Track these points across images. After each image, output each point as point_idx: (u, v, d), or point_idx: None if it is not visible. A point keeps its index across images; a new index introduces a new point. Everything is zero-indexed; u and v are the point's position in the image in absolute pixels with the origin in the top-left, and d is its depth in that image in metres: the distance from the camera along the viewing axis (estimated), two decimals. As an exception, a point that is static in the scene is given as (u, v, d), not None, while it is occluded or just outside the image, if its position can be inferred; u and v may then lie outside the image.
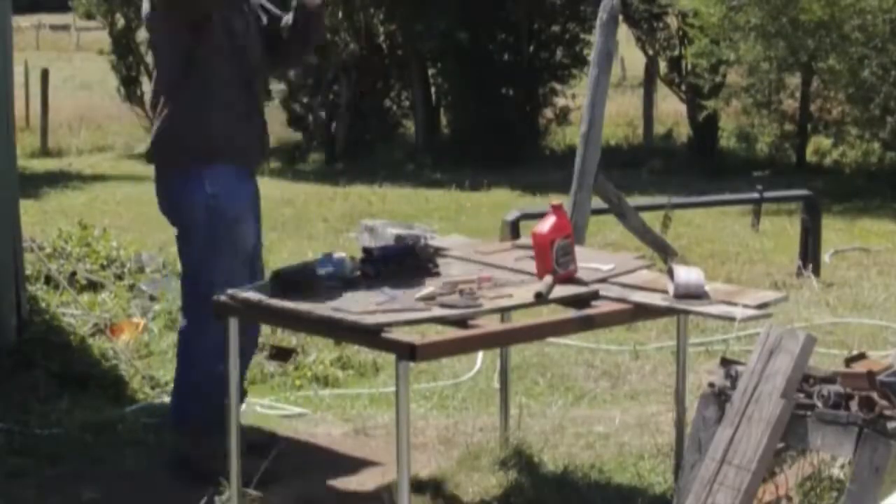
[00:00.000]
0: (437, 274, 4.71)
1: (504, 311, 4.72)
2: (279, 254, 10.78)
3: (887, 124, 15.63)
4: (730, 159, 18.22)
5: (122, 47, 21.74)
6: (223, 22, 5.14)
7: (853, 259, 10.64)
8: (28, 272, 7.54)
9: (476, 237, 6.53)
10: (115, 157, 20.88)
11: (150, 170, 5.60)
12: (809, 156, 17.96)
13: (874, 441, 3.96)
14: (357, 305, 4.29)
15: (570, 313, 4.51)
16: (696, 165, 17.55)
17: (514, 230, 9.05)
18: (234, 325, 4.67)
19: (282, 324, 5.29)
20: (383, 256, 4.63)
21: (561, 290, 4.51)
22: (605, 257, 5.21)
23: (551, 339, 7.13)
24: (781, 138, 17.81)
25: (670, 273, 4.64)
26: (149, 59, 21.47)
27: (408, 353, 4.02)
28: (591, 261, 4.89)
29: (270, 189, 16.30)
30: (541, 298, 4.43)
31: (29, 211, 10.47)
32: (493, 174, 16.62)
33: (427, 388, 6.84)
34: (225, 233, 5.18)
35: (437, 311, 4.26)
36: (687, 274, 4.59)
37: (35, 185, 15.27)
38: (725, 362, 4.47)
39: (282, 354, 7.30)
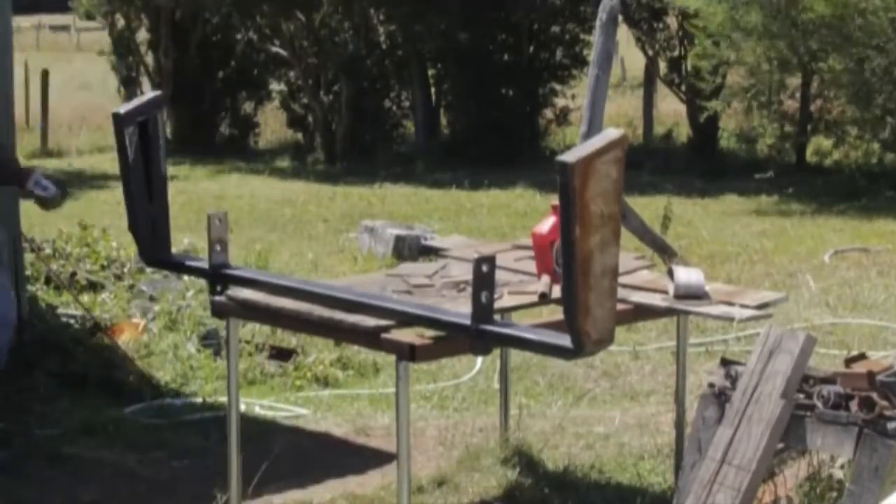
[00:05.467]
0: None
1: (504, 312, 4.71)
2: (279, 255, 10.79)
3: (887, 125, 15.61)
4: (730, 160, 18.21)
5: (122, 48, 21.74)
6: None
7: (853, 259, 10.63)
8: (28, 272, 7.54)
9: (476, 237, 6.54)
10: (115, 157, 20.85)
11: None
12: (810, 156, 17.95)
13: (874, 441, 3.96)
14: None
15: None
16: (696, 166, 17.54)
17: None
18: (233, 324, 4.68)
19: (282, 324, 5.28)
20: None
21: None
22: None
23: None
24: (782, 139, 17.80)
25: (670, 273, 4.64)
26: (149, 59, 21.52)
27: (407, 353, 4.02)
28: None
29: (270, 189, 16.33)
30: (545, 298, 4.43)
31: (29, 211, 10.44)
32: (493, 174, 16.62)
33: (427, 388, 6.84)
34: None
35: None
36: (687, 274, 4.59)
37: (35, 185, 15.23)
38: (725, 363, 4.47)
39: (282, 355, 7.31)
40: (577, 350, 3.53)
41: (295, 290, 4.43)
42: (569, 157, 3.25)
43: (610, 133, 3.40)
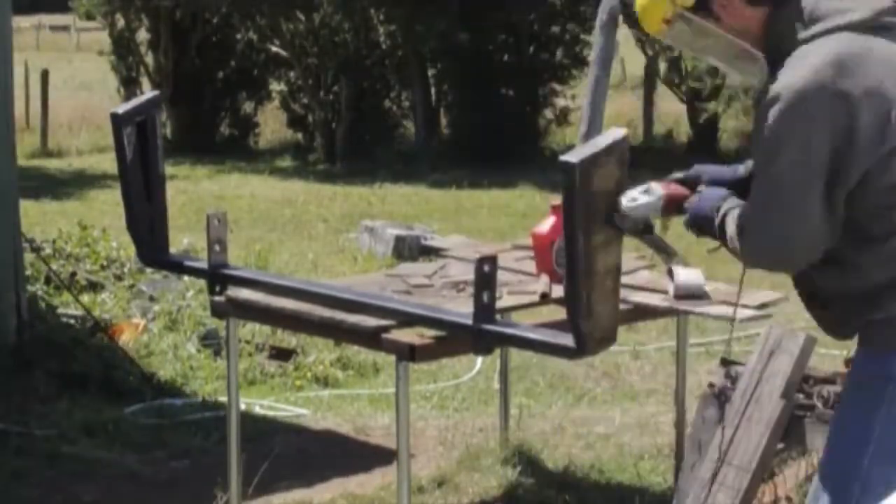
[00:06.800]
0: None
1: (504, 312, 4.72)
2: (279, 254, 10.79)
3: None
4: (730, 160, 18.17)
5: (122, 48, 21.73)
6: None
7: (853, 259, 10.62)
8: (28, 272, 7.54)
9: (476, 237, 6.54)
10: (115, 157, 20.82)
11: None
12: (809, 156, 17.94)
13: (874, 441, 3.95)
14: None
15: (570, 313, 4.50)
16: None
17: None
18: (233, 324, 4.68)
19: (282, 324, 5.28)
20: None
21: (561, 291, 4.51)
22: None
23: (551, 340, 7.13)
24: (782, 138, 17.76)
25: (670, 274, 4.64)
26: (149, 59, 21.50)
27: (407, 353, 4.02)
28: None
29: (270, 189, 16.32)
30: (546, 298, 4.43)
31: (29, 211, 10.46)
32: (493, 174, 16.62)
33: (427, 388, 6.84)
34: None
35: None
36: (687, 275, 4.59)
37: (35, 185, 15.28)
38: (725, 363, 4.47)
39: (282, 355, 7.31)
40: (580, 349, 3.52)
41: (295, 290, 4.42)
42: (572, 156, 3.24)
43: (613, 132, 3.40)
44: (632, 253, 5.90)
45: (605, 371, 7.12)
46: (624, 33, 19.76)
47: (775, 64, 2.94)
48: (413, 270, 4.98)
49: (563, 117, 20.13)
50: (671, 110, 21.27)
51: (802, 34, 2.92)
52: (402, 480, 4.12)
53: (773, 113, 2.88)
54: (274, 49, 20.71)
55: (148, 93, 4.92)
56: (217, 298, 4.57)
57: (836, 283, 3.00)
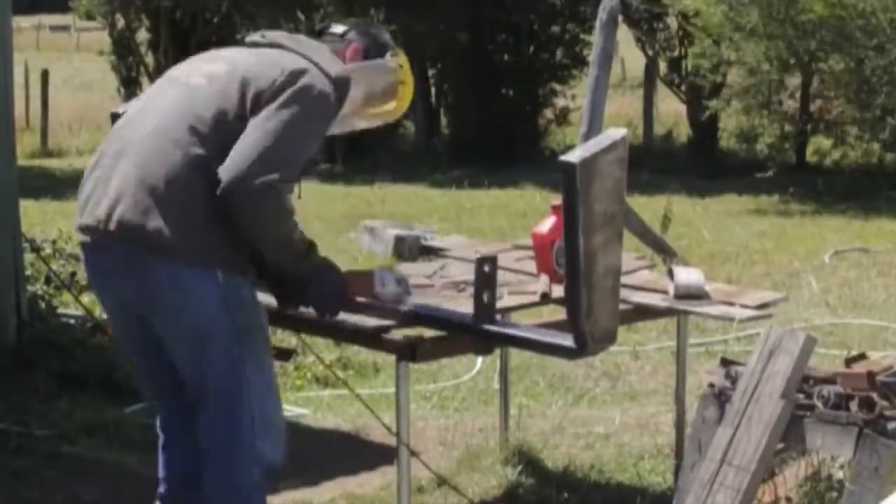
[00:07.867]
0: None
1: (505, 312, 4.72)
2: (279, 254, 10.78)
3: (887, 125, 15.61)
4: (730, 160, 18.21)
5: (122, 48, 21.75)
6: None
7: (853, 259, 10.64)
8: (28, 272, 7.53)
9: (476, 237, 6.54)
10: (115, 157, 20.80)
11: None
12: (810, 156, 17.95)
13: (874, 442, 3.96)
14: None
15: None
16: (697, 166, 17.54)
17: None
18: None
19: (282, 324, 5.27)
20: None
21: (561, 291, 4.51)
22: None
23: (551, 340, 7.13)
24: (782, 139, 17.80)
25: (670, 274, 4.64)
26: (149, 59, 21.51)
27: (408, 353, 4.02)
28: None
29: (270, 189, 16.31)
30: (546, 298, 4.43)
31: (29, 211, 10.45)
32: (493, 174, 16.62)
33: (427, 388, 6.84)
34: None
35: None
36: (687, 274, 4.59)
37: (35, 185, 15.27)
38: (725, 363, 4.47)
39: (282, 354, 7.30)
40: (580, 350, 3.53)
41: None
42: (573, 157, 3.25)
43: (613, 133, 3.40)
44: (632, 253, 5.91)
45: (605, 371, 7.13)
46: (624, 33, 19.82)
47: None
48: (413, 270, 4.98)
49: (563, 117, 20.14)
50: (671, 110, 21.28)
51: None
52: (402, 480, 4.13)
53: None
54: (274, 49, 20.72)
55: (148, 93, 4.91)
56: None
57: None
